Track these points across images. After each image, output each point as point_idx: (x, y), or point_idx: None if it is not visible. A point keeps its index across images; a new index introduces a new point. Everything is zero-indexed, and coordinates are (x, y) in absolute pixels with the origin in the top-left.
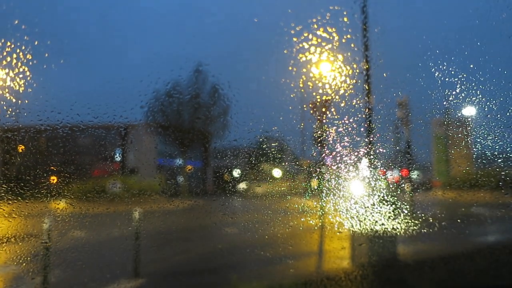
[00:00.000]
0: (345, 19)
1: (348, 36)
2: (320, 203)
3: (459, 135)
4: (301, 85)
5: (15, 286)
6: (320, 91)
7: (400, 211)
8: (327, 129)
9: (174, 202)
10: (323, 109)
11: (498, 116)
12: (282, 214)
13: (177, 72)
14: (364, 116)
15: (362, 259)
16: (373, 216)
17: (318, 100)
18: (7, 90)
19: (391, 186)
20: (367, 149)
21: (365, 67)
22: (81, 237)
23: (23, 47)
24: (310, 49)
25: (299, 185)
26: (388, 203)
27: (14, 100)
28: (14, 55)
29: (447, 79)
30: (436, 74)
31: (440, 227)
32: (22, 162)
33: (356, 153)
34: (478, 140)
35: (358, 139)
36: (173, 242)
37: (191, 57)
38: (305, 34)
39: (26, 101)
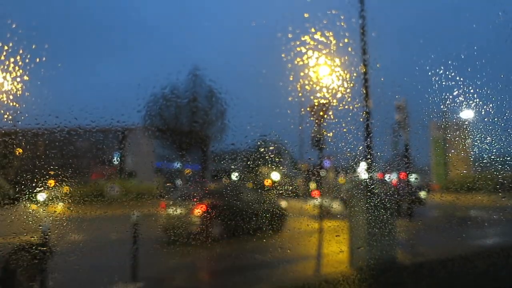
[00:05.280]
0: (343, 23)
1: (346, 40)
2: (319, 205)
3: (457, 138)
4: (299, 89)
5: None
6: (318, 95)
7: (398, 213)
8: (325, 132)
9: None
10: (321, 113)
11: (496, 119)
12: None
13: (175, 76)
14: (362, 119)
15: (360, 262)
16: (372, 218)
17: (316, 103)
18: (4, 94)
19: (390, 189)
20: (365, 153)
21: (362, 71)
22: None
23: (21, 51)
24: (308, 53)
25: (297, 188)
26: (387, 206)
27: (11, 104)
28: (12, 59)
29: (444, 83)
30: (433, 78)
31: (438, 230)
32: (19, 166)
33: (354, 157)
34: (476, 143)
35: (356, 142)
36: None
37: (189, 61)
38: (303, 38)
39: (24, 105)
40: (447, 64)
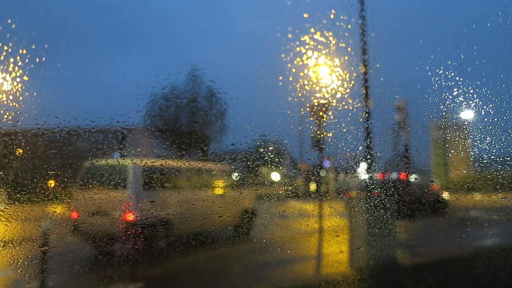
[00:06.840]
0: (343, 23)
1: (346, 40)
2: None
3: (457, 138)
4: (298, 89)
5: None
6: (318, 95)
7: (397, 214)
8: (325, 132)
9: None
10: (321, 113)
11: (495, 119)
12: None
13: (175, 77)
14: (362, 119)
15: (360, 263)
16: (373, 219)
17: (316, 104)
18: (4, 94)
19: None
20: (365, 153)
21: (362, 71)
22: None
23: (21, 51)
24: (308, 53)
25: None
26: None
27: (11, 104)
28: (11, 59)
29: (444, 83)
30: (433, 78)
31: (438, 231)
32: (20, 166)
33: (354, 157)
34: (476, 143)
35: (355, 142)
36: None
37: (189, 62)
38: (302, 38)
39: (24, 105)
40: (447, 64)
